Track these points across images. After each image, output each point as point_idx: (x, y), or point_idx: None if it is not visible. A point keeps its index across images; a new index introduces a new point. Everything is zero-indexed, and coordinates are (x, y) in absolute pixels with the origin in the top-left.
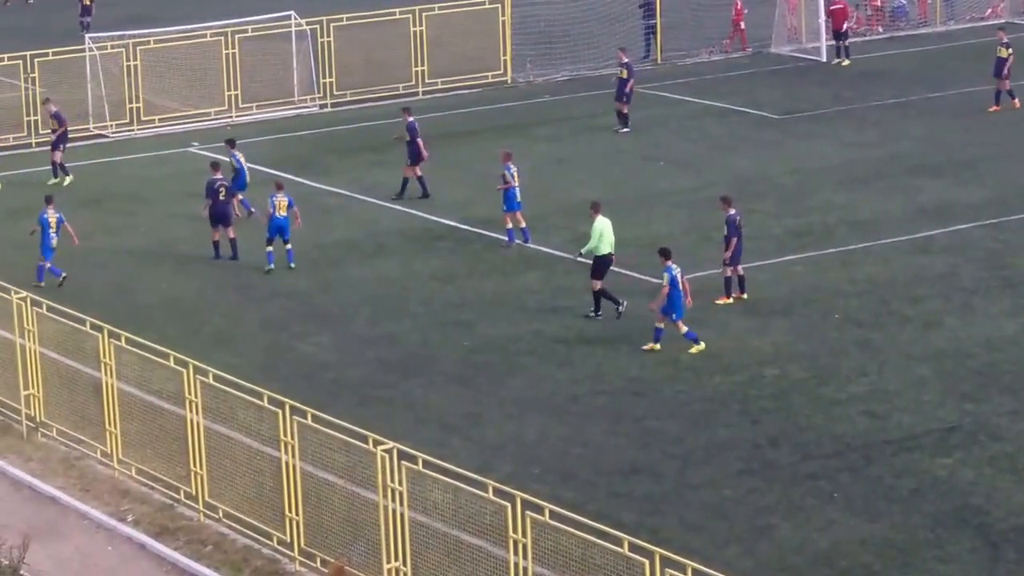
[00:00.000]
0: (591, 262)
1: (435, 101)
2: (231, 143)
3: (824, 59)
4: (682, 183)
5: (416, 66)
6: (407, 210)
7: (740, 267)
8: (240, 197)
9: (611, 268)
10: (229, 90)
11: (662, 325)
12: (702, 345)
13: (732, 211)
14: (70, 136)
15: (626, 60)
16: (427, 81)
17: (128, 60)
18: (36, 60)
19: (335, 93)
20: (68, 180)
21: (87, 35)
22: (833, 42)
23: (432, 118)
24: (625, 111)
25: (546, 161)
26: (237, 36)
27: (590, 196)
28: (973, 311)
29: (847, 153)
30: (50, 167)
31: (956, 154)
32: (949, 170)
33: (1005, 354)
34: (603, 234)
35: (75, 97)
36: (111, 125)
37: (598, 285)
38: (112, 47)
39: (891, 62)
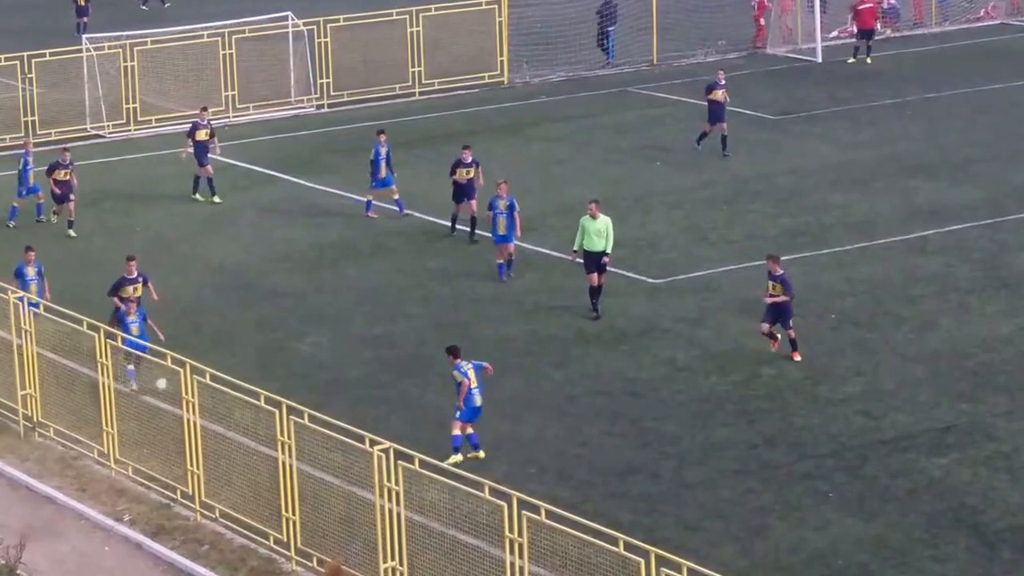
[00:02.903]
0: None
1: (432, 102)
2: (380, 132)
3: (819, 60)
4: (679, 183)
5: (413, 67)
6: (404, 210)
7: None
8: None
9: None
10: (226, 91)
11: (459, 432)
12: (481, 454)
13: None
14: (67, 138)
15: (724, 81)
16: (424, 82)
17: (125, 61)
18: (33, 60)
19: (332, 94)
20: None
21: (84, 36)
22: (856, 40)
23: (429, 119)
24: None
25: (543, 162)
26: (234, 37)
27: (587, 196)
28: (968, 311)
29: (843, 154)
30: (199, 183)
31: (952, 155)
32: (945, 171)
33: (1000, 354)
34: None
35: (72, 98)
36: (108, 126)
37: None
38: (109, 48)
39: (887, 63)
